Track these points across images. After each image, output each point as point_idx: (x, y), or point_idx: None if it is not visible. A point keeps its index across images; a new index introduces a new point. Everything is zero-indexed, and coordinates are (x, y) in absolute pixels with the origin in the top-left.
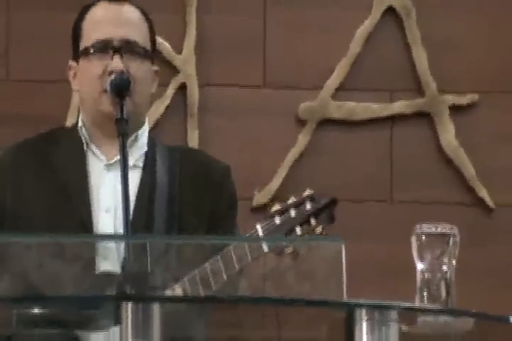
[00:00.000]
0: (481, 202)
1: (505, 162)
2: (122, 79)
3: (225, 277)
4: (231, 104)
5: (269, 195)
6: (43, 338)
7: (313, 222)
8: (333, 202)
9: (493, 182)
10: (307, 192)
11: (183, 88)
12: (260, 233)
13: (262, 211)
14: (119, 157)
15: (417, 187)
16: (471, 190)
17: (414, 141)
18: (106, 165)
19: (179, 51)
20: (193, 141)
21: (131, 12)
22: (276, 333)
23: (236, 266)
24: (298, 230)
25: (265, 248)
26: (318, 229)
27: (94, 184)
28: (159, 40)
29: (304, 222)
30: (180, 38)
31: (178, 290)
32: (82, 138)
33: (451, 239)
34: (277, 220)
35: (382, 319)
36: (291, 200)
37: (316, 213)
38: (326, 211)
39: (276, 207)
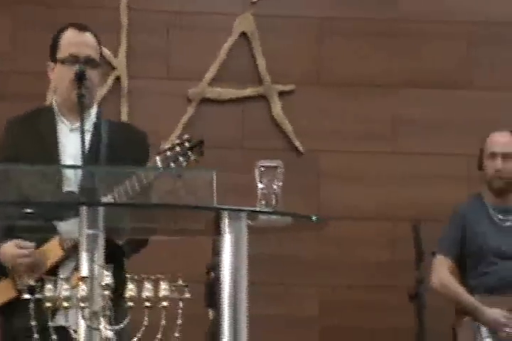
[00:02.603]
0: (295, 148)
1: (311, 125)
2: (82, 70)
3: (138, 189)
4: (147, 89)
5: (170, 144)
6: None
7: (189, 153)
8: (201, 142)
9: (303, 136)
10: (185, 136)
11: (118, 79)
12: (158, 162)
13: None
14: (78, 124)
15: (259, 140)
16: (290, 142)
17: (257, 112)
18: (70, 129)
19: (116, 56)
20: (124, 112)
21: (90, 37)
22: (173, 225)
23: (144, 180)
24: (181, 159)
25: (161, 171)
26: (192, 158)
27: (63, 141)
28: (104, 49)
29: (184, 154)
30: (117, 48)
31: (109, 198)
32: (55, 112)
33: (279, 169)
34: (168, 153)
35: (237, 217)
36: (176, 141)
37: (191, 148)
38: (197, 147)
39: (167, 145)
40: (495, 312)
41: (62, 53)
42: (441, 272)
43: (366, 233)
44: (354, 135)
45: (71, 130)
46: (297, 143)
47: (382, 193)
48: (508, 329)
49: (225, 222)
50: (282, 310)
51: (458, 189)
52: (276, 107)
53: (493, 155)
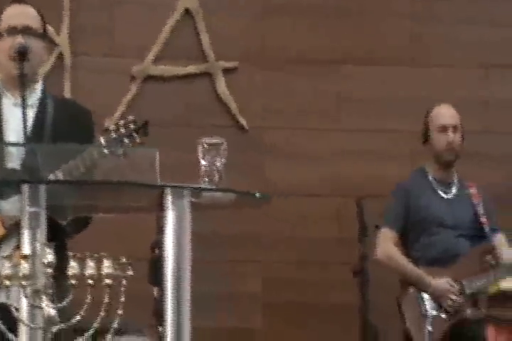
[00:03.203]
0: (240, 126)
1: (255, 102)
2: (23, 46)
3: (82, 169)
4: (91, 66)
5: (115, 125)
6: None
7: (135, 135)
8: (146, 123)
9: (248, 113)
10: (130, 117)
11: (61, 55)
12: (103, 142)
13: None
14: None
15: (203, 117)
16: (234, 119)
17: (202, 90)
18: (14, 103)
19: (59, 33)
20: (67, 89)
21: (30, 10)
22: (116, 203)
23: (88, 161)
24: (126, 140)
25: (106, 152)
26: (137, 140)
27: (6, 115)
28: (48, 27)
29: (130, 135)
30: (60, 25)
31: (52, 177)
32: None
33: (222, 146)
34: (113, 134)
35: (181, 194)
36: (121, 122)
37: (136, 130)
38: (142, 129)
39: (112, 126)
40: (440, 281)
41: (1, 28)
42: (386, 244)
43: (311, 209)
44: (298, 112)
45: (15, 104)
46: (242, 120)
47: (326, 170)
48: (453, 297)
49: (168, 199)
50: (225, 286)
51: (401, 165)
52: (221, 84)
53: (444, 128)
